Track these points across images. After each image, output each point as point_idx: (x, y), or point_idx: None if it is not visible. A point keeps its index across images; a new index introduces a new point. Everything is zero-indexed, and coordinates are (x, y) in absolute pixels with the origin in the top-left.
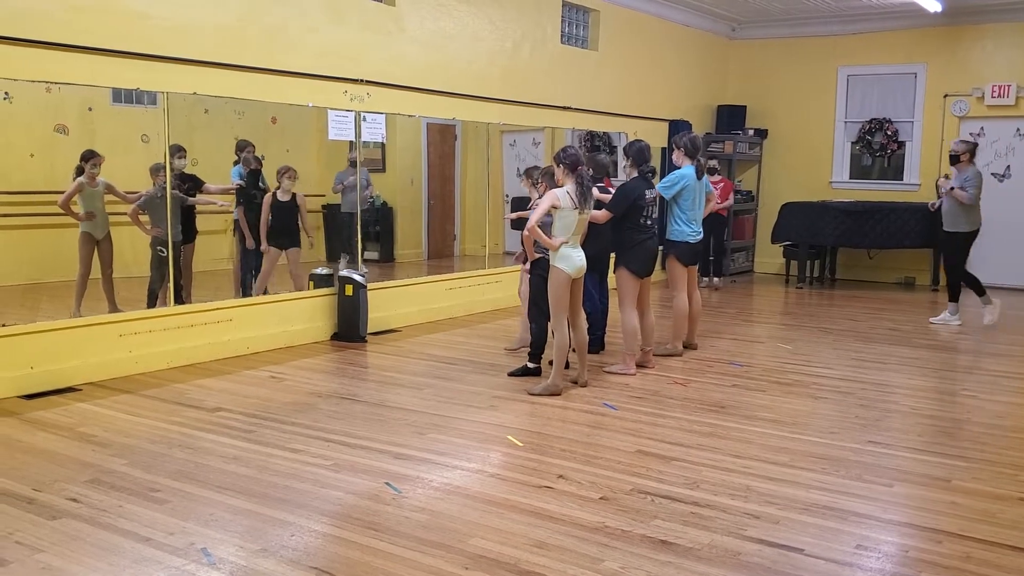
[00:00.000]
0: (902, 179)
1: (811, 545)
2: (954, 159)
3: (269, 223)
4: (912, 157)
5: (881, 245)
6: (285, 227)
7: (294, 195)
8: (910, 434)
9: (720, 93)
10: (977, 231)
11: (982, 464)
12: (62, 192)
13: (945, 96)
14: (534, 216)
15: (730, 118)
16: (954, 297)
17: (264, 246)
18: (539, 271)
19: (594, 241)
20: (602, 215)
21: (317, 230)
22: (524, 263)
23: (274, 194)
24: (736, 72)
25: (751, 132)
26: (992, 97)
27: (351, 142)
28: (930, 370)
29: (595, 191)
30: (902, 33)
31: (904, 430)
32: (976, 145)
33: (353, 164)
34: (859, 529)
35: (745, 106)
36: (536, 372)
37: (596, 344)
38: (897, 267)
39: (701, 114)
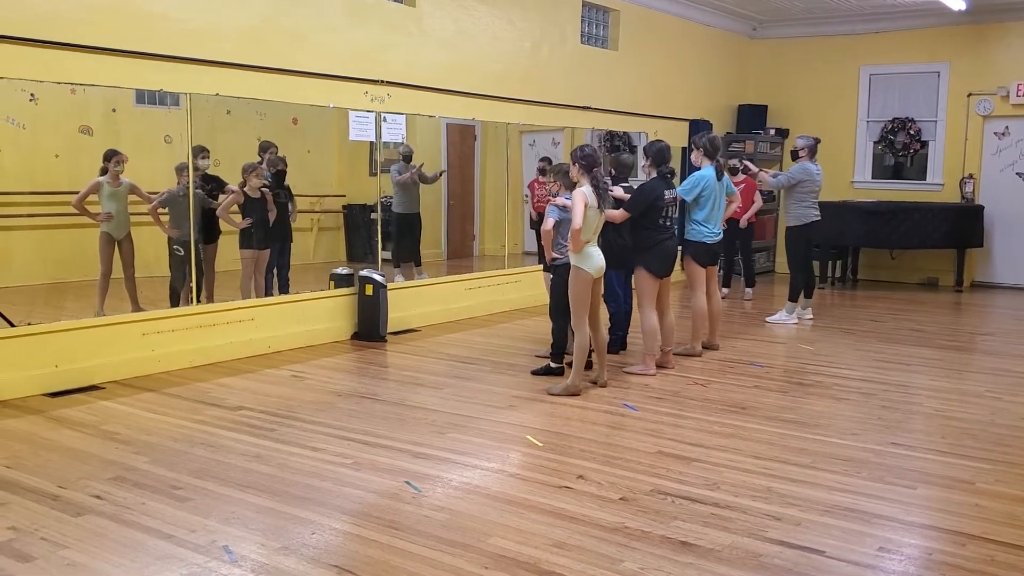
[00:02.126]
0: (925, 179)
1: (833, 547)
2: (793, 155)
3: (247, 222)
4: (935, 157)
5: (904, 245)
6: (260, 226)
7: (263, 192)
8: (933, 436)
9: (741, 93)
10: (803, 226)
11: (1006, 466)
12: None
13: (969, 95)
14: (577, 217)
15: (751, 118)
16: (792, 296)
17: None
18: (561, 271)
19: (618, 237)
20: (619, 215)
21: (336, 230)
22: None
23: (245, 193)
24: (757, 71)
25: (772, 132)
26: (1017, 96)
27: (398, 141)
28: (953, 371)
29: (619, 190)
30: (925, 32)
31: (927, 432)
32: (818, 142)
33: (406, 159)
34: (882, 531)
35: (766, 105)
36: (559, 372)
37: (618, 344)
38: (920, 267)
39: (722, 114)
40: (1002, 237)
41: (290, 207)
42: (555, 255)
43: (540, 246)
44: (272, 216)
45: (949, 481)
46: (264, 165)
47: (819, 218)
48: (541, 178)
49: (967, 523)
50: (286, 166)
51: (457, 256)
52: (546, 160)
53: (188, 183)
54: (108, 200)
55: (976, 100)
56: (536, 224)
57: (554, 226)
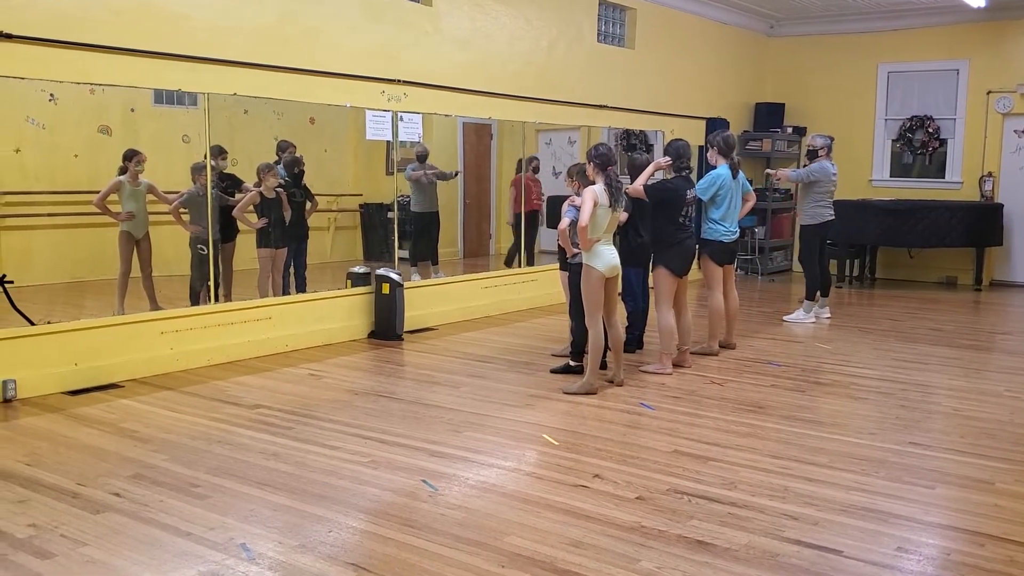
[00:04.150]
0: (944, 177)
1: (850, 547)
2: (812, 154)
3: (262, 222)
4: (954, 155)
5: (922, 244)
6: (277, 225)
7: (278, 192)
8: (952, 435)
9: (758, 91)
10: (817, 225)
11: None
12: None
13: (988, 93)
14: (584, 214)
15: (768, 116)
16: (808, 294)
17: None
18: (577, 269)
19: (637, 236)
20: (638, 189)
21: (353, 229)
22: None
23: (261, 193)
24: (774, 69)
25: (789, 130)
26: None
27: (415, 141)
28: (972, 371)
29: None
30: (944, 29)
31: (946, 431)
32: (832, 140)
33: (420, 159)
34: (900, 531)
35: (783, 103)
36: (579, 371)
37: (634, 343)
38: (938, 266)
39: (739, 112)
40: (1022, 235)
41: (308, 205)
42: (575, 250)
43: (516, 243)
44: (288, 216)
45: (968, 481)
46: (281, 165)
47: (833, 217)
48: (534, 175)
49: (986, 523)
50: (304, 166)
51: (473, 255)
52: (535, 158)
53: (206, 183)
54: (128, 199)
55: (996, 98)
56: (517, 222)
57: (569, 225)
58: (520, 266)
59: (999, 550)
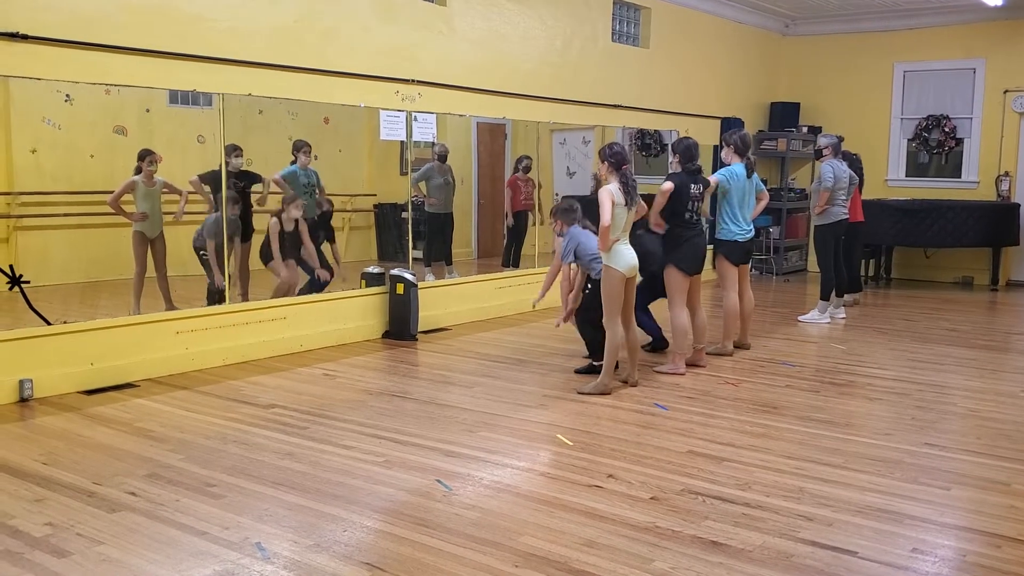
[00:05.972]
0: (960, 177)
1: (865, 548)
2: (818, 154)
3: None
4: (970, 154)
5: (938, 244)
6: (291, 254)
7: (296, 224)
8: (968, 436)
9: (773, 90)
10: (831, 224)
11: None
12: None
13: (1005, 92)
14: (605, 214)
15: (783, 115)
16: (823, 294)
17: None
18: (591, 283)
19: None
20: (655, 213)
21: (367, 229)
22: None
23: (281, 222)
24: (789, 69)
25: (805, 129)
26: None
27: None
28: (988, 372)
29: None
30: (961, 28)
31: (962, 432)
32: (840, 140)
33: (441, 159)
34: (915, 532)
35: (799, 103)
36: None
37: (661, 341)
38: (955, 266)
39: (754, 111)
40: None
41: (326, 206)
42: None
43: (509, 243)
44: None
45: (984, 482)
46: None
47: (847, 216)
48: (524, 175)
49: (1002, 525)
50: (332, 207)
51: (487, 255)
52: (528, 158)
53: (215, 196)
54: (143, 199)
55: (1012, 97)
56: (512, 228)
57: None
58: (513, 267)
59: (1016, 552)
